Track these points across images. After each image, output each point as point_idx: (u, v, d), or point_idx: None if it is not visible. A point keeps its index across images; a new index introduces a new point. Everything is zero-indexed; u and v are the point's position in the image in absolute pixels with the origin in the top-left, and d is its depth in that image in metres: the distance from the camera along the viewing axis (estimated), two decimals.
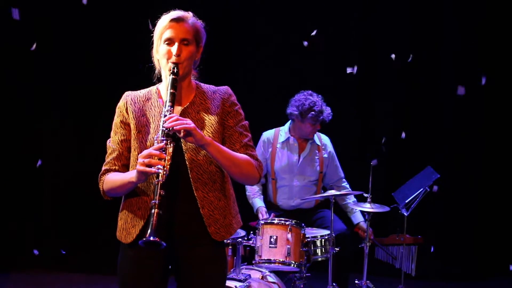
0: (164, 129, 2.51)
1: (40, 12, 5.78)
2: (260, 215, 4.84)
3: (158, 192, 2.45)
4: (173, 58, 2.63)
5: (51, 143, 6.05)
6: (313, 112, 4.82)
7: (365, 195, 4.57)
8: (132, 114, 2.70)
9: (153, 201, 2.45)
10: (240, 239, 4.07)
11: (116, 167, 2.69)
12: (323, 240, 4.43)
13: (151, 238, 2.40)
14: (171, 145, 2.52)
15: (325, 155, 5.07)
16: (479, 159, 6.11)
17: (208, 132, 2.65)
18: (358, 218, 4.99)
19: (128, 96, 2.76)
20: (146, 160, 2.46)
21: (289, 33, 6.16)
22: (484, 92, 6.00)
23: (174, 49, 2.63)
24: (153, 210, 2.44)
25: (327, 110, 4.91)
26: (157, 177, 2.46)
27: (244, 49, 6.26)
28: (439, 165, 5.19)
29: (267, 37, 6.23)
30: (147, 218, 2.59)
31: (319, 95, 4.94)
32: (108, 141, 2.76)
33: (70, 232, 6.08)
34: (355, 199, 5.03)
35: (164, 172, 2.46)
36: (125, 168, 2.70)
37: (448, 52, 6.13)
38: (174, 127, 2.48)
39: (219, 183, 2.69)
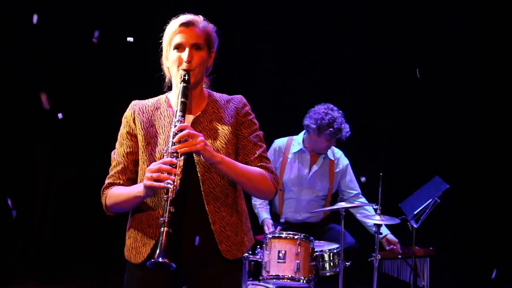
0: (174, 141, 2.38)
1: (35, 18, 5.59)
2: (266, 228, 4.71)
3: (167, 209, 2.32)
4: (184, 65, 2.50)
5: (48, 155, 5.86)
6: (331, 129, 4.67)
7: (375, 206, 4.43)
8: (140, 124, 2.56)
9: (162, 219, 2.32)
10: (246, 254, 3.95)
11: (121, 181, 2.56)
12: (331, 254, 4.31)
13: (160, 259, 2.27)
14: (182, 158, 2.38)
15: (337, 170, 4.93)
16: (490, 168, 5.99)
17: (221, 142, 2.52)
18: (384, 231, 4.81)
19: (136, 105, 2.62)
20: (155, 175, 2.32)
21: (299, 38, 6.05)
22: (495, 101, 5.90)
23: (185, 55, 2.50)
24: (162, 228, 2.31)
25: (346, 128, 4.76)
26: (167, 193, 2.33)
27: (252, 55, 6.13)
28: (448, 174, 5.07)
29: (277, 42, 6.11)
30: (157, 239, 2.43)
31: (340, 111, 4.80)
32: (112, 152, 2.63)
33: (67, 246, 5.90)
34: (371, 212, 4.83)
35: (174, 188, 2.32)
36: (130, 182, 2.56)
37: (451, 60, 6.02)
38: (180, 151, 2.35)
39: (232, 198, 2.56)
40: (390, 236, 4.78)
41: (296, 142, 4.92)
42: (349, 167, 4.98)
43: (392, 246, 4.76)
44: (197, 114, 2.56)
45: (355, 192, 4.96)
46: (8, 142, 5.79)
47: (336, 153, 4.97)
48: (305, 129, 4.86)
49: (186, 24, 2.52)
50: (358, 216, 4.83)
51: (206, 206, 2.48)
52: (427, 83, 6.03)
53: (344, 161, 4.98)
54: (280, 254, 4.03)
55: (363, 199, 4.96)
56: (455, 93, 5.97)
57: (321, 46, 6.13)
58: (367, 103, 6.15)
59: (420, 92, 6.06)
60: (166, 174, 2.32)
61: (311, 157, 4.89)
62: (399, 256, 4.80)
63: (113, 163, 2.60)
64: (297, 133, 5.00)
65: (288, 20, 6.07)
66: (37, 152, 5.92)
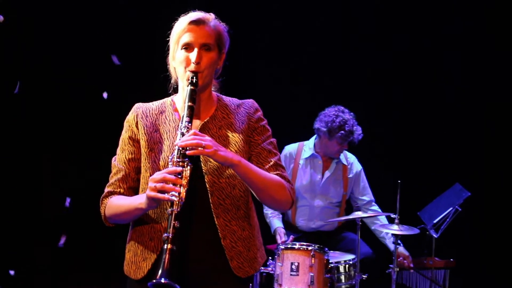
0: (180, 148, 2.19)
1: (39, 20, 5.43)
2: (278, 237, 4.57)
3: (171, 224, 2.13)
4: (192, 66, 2.31)
5: (49, 160, 5.67)
6: (342, 132, 4.55)
7: (393, 216, 4.28)
8: (143, 129, 2.38)
9: (165, 234, 2.13)
10: None
11: (121, 190, 2.38)
12: (347, 266, 4.17)
13: (162, 280, 2.08)
14: (189, 167, 2.18)
15: (350, 176, 4.80)
16: None
17: (231, 150, 2.34)
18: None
19: (139, 108, 2.44)
20: (159, 185, 2.13)
21: (309, 41, 5.86)
22: None
23: (193, 55, 2.31)
24: (165, 245, 2.12)
25: (358, 131, 4.63)
26: (171, 205, 2.14)
27: (260, 57, 5.93)
28: (469, 181, 4.90)
29: (285, 43, 5.93)
30: (159, 254, 2.27)
31: (351, 113, 4.68)
32: (113, 159, 2.45)
33: (70, 253, 5.72)
34: (383, 222, 4.73)
35: (180, 200, 2.13)
36: (131, 191, 2.39)
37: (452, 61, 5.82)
38: (188, 153, 2.17)
39: (244, 210, 2.36)
40: (401, 249, 4.64)
41: (307, 147, 4.81)
42: (363, 173, 4.87)
43: (401, 258, 4.61)
44: (205, 120, 2.38)
45: (367, 199, 4.84)
46: (14, 146, 5.61)
47: (349, 157, 4.86)
48: (316, 133, 4.75)
49: (196, 22, 2.33)
50: (373, 226, 4.72)
51: (215, 219, 2.29)
52: (445, 86, 5.84)
53: (357, 166, 4.86)
54: (293, 266, 3.88)
55: (376, 207, 4.85)
56: (475, 96, 5.75)
57: (331, 49, 5.95)
58: (383, 106, 5.95)
59: (439, 95, 5.86)
60: (171, 185, 2.13)
61: (324, 162, 4.77)
62: (411, 271, 4.68)
63: (113, 170, 2.43)
64: (307, 139, 4.87)
65: (291, 23, 5.88)
66: (44, 159, 5.74)
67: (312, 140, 4.82)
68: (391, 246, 4.64)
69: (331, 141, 4.61)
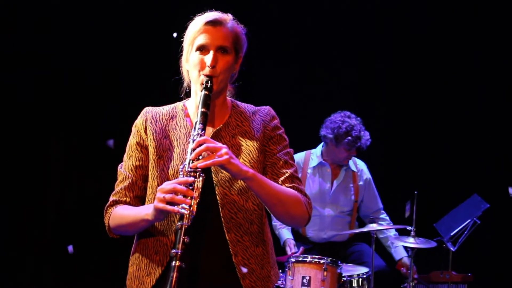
0: (191, 158, 2.05)
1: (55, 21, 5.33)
2: (288, 249, 4.45)
3: (181, 239, 1.98)
4: (207, 70, 2.19)
5: (55, 168, 5.54)
6: (349, 137, 4.43)
7: (409, 228, 4.17)
8: (152, 135, 2.25)
9: (174, 250, 1.98)
10: None
11: (127, 199, 2.25)
12: (360, 279, 4.04)
13: None
14: (201, 178, 2.03)
15: (361, 183, 4.69)
16: None
17: (245, 160, 2.20)
18: (400, 254, 4.57)
19: (148, 113, 2.31)
20: (168, 196, 2.00)
21: (318, 46, 5.73)
22: None
23: (209, 58, 2.18)
24: (173, 262, 1.96)
25: (366, 136, 4.52)
26: (181, 219, 1.99)
27: (266, 62, 5.79)
28: (488, 191, 4.79)
29: (294, 49, 5.81)
30: (164, 269, 2.15)
31: (358, 118, 4.57)
32: (119, 166, 2.33)
33: (71, 271, 5.59)
34: (396, 233, 4.63)
35: (190, 214, 1.98)
36: (137, 200, 2.25)
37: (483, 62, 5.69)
38: (200, 166, 2.02)
39: (257, 225, 2.22)
40: (405, 260, 4.53)
41: (315, 155, 4.71)
42: (372, 181, 4.77)
43: (403, 269, 4.51)
44: (218, 127, 2.24)
45: (376, 207, 4.74)
46: (21, 150, 5.50)
47: (358, 164, 4.76)
48: (323, 140, 4.65)
49: (213, 23, 2.20)
50: (381, 235, 4.63)
51: (226, 234, 2.15)
52: (461, 91, 5.69)
53: (367, 173, 4.77)
54: (305, 280, 3.75)
55: (384, 215, 4.76)
56: (493, 104, 5.61)
57: (341, 56, 5.84)
58: (398, 113, 5.83)
59: (455, 101, 5.73)
60: (181, 197, 1.99)
61: (332, 170, 4.67)
62: (415, 282, 4.53)
63: (119, 178, 2.30)
64: (314, 147, 4.77)
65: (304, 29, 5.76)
66: (51, 167, 5.63)
67: (319, 148, 4.72)
68: (396, 256, 4.58)
69: (339, 147, 4.51)
